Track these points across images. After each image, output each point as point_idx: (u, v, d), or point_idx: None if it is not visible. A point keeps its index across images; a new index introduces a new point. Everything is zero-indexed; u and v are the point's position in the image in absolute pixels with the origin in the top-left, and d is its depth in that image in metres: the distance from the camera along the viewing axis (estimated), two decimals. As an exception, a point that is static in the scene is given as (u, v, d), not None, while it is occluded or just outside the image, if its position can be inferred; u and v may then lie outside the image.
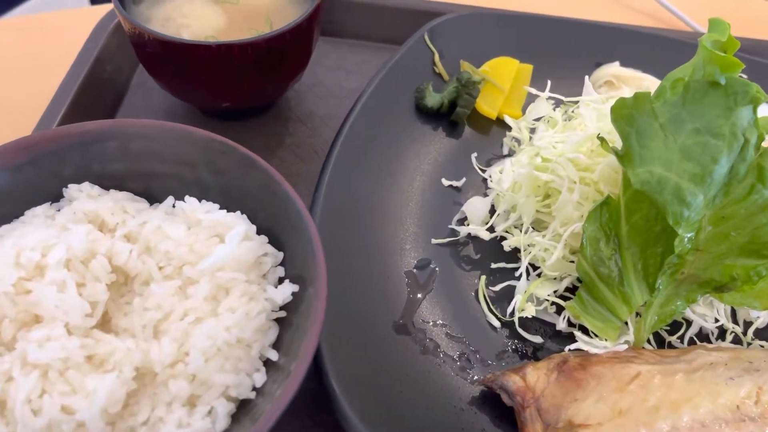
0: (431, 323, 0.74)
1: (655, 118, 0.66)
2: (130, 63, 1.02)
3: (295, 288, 0.62)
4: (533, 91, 0.85)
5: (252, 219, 0.66)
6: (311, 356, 0.54)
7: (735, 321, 0.76)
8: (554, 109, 0.85)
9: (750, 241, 0.66)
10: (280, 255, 0.65)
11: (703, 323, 0.73)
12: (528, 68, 0.98)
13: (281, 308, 0.63)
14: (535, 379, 0.67)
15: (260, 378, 0.59)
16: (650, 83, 0.92)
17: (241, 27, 0.89)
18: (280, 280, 0.64)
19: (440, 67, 0.96)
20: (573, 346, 0.71)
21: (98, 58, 0.96)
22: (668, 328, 0.75)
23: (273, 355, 0.60)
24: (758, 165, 0.64)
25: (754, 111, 0.64)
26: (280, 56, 0.84)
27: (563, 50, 1.02)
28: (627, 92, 0.87)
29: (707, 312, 0.74)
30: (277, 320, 0.63)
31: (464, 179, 0.87)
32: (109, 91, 0.98)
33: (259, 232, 0.66)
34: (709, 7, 1.27)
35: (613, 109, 0.68)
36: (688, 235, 0.66)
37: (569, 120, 0.83)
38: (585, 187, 0.73)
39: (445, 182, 0.87)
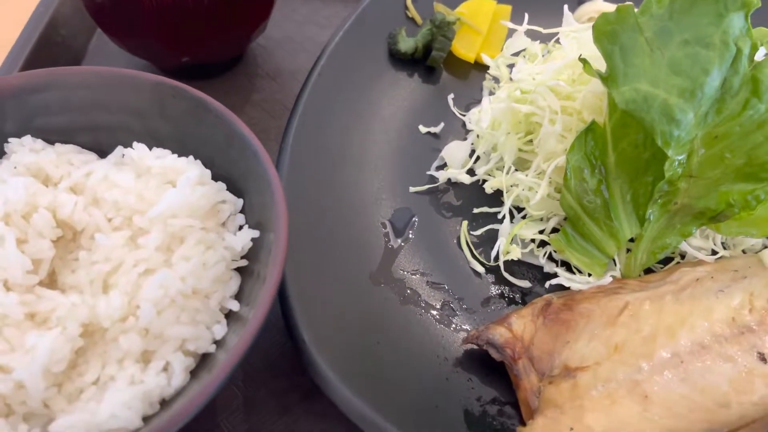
0: (410, 272, 0.69)
1: (640, 32, 0.61)
2: (87, 26, 0.96)
3: (255, 234, 0.57)
4: (511, 25, 0.79)
5: (209, 167, 0.61)
6: (269, 303, 0.50)
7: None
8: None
9: (746, 163, 0.61)
10: (240, 202, 0.60)
11: (699, 256, 0.69)
12: (506, 9, 0.93)
13: (244, 257, 0.58)
14: (521, 328, 0.62)
15: (220, 330, 0.54)
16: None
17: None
18: (241, 229, 0.60)
19: (413, 11, 0.91)
20: (553, 282, 0.67)
21: (51, 22, 0.91)
22: (659, 264, 0.70)
23: (234, 306, 0.55)
24: (753, 77, 0.59)
25: (746, 18, 0.58)
26: (236, 1, 0.78)
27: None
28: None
29: (702, 244, 0.69)
30: (240, 270, 0.58)
31: (442, 124, 0.82)
32: (64, 55, 0.92)
33: (217, 180, 0.61)
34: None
35: (594, 26, 0.63)
36: (679, 158, 0.61)
37: (549, 53, 0.78)
38: (567, 117, 0.68)
39: (423, 129, 0.82)
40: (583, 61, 0.65)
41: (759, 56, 0.62)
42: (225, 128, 0.60)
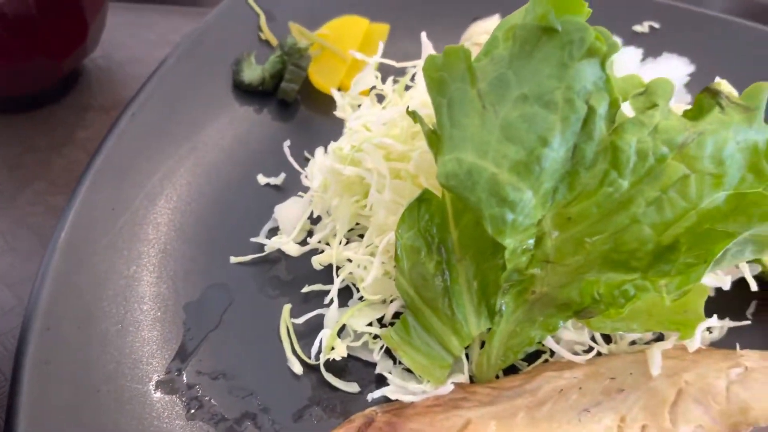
0: (211, 374, 0.55)
1: (473, 82, 0.47)
2: None
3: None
4: (358, 55, 0.65)
5: None
6: None
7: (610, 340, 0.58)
8: (386, 81, 0.65)
9: (613, 249, 0.48)
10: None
11: (570, 357, 0.55)
12: (383, 29, 0.79)
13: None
14: (328, 458, 0.49)
15: None
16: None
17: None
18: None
19: (267, 33, 0.77)
20: (377, 394, 0.53)
21: None
22: (525, 360, 0.56)
23: None
24: (612, 145, 0.45)
25: (602, 67, 0.44)
26: (27, 25, 0.64)
27: (434, 4, 0.83)
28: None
29: (576, 337, 0.56)
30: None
31: (283, 175, 0.68)
32: None
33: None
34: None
35: (423, 70, 0.49)
36: (524, 246, 0.47)
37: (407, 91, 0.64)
38: (400, 182, 0.54)
39: (262, 180, 0.68)
40: (412, 114, 0.51)
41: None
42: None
